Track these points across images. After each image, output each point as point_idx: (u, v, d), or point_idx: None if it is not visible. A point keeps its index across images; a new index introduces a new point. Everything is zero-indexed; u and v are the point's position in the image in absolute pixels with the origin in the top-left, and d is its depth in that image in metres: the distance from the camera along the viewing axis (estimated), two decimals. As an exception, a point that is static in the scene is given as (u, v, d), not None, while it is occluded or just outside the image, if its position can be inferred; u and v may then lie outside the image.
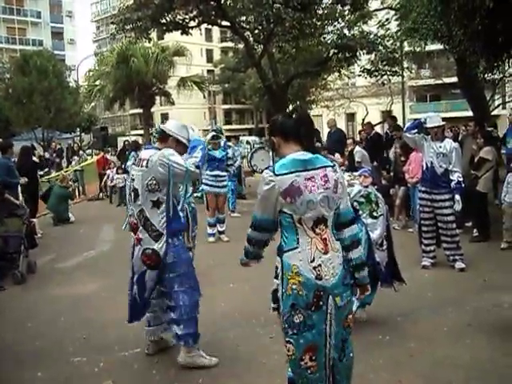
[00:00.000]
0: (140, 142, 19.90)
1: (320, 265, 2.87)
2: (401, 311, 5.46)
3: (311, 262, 2.88)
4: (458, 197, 6.85)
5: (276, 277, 3.03)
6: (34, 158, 13.34)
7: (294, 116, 3.12)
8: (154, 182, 4.18)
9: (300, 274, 2.86)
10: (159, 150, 4.31)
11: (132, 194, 4.38)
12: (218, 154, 9.59)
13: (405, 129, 7.34)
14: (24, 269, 7.60)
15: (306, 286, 2.86)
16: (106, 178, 17.07)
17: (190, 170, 4.19)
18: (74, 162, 19.48)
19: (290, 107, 33.58)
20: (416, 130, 7.03)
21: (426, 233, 7.26)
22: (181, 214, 4.53)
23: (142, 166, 4.26)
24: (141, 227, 4.30)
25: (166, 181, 4.19)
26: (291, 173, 2.89)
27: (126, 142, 20.54)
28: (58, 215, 12.56)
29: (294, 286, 2.87)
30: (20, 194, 9.59)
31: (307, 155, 2.96)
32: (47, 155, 23.07)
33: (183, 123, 4.72)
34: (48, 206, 12.73)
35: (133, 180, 4.36)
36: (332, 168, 2.99)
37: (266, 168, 3.06)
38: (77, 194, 17.89)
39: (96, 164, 18.52)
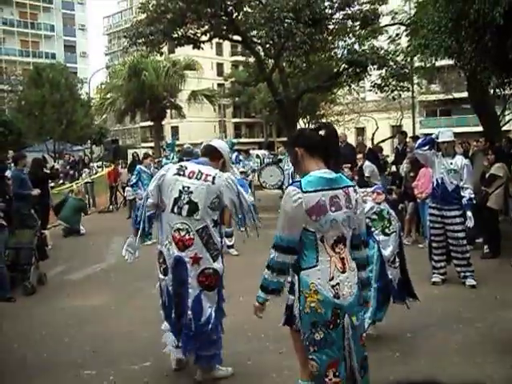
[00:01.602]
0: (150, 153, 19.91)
1: (338, 283, 2.88)
2: (411, 328, 5.43)
3: (330, 280, 2.88)
4: (469, 213, 6.83)
5: (290, 292, 3.03)
6: (46, 170, 13.45)
7: (321, 131, 3.06)
8: (218, 200, 4.13)
9: (318, 292, 2.87)
10: (213, 167, 4.26)
11: (185, 207, 4.12)
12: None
13: (416, 145, 7.31)
14: (34, 280, 7.64)
15: (324, 304, 2.87)
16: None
17: (251, 207, 4.26)
18: (84, 175, 19.58)
19: (301, 121, 33.83)
20: (428, 147, 7.02)
21: (437, 249, 7.23)
22: None
23: (205, 181, 4.12)
24: (200, 245, 4.12)
25: (223, 204, 4.18)
26: (318, 191, 2.88)
27: (135, 154, 20.61)
28: (71, 226, 12.60)
29: (312, 304, 2.87)
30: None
31: (332, 174, 2.94)
32: (57, 166, 23.19)
33: (227, 145, 4.76)
34: (61, 216, 12.76)
35: (189, 192, 4.12)
36: (353, 188, 3.01)
37: (291, 185, 3.00)
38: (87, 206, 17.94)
39: (107, 176, 18.59)
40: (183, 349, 4.33)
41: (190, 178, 4.16)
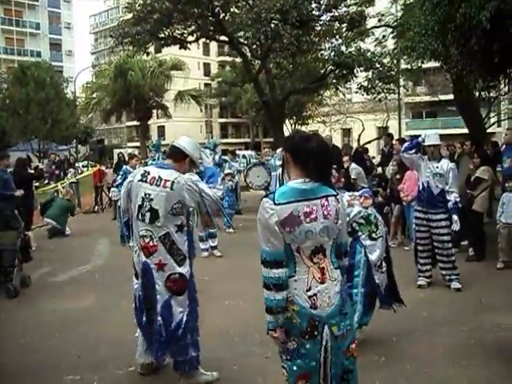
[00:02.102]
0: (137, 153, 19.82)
1: (316, 294, 2.83)
2: (396, 331, 5.44)
3: (307, 290, 2.83)
4: (455, 217, 6.86)
5: None
6: (30, 170, 13.32)
7: (311, 140, 2.94)
8: (180, 205, 4.11)
9: (294, 302, 2.83)
10: (175, 169, 4.21)
11: (147, 214, 4.15)
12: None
13: (402, 149, 7.33)
14: (18, 283, 7.53)
15: (299, 315, 2.82)
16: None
17: (218, 202, 4.20)
18: (69, 174, 19.41)
19: (287, 122, 33.86)
20: (414, 151, 7.04)
21: (422, 252, 7.26)
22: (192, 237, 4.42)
23: (164, 187, 4.09)
24: (164, 251, 4.13)
25: (189, 206, 4.15)
26: (290, 202, 2.82)
27: (120, 155, 20.49)
28: (58, 225, 12.45)
29: (288, 315, 2.83)
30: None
31: (308, 184, 2.87)
32: (41, 166, 22.98)
33: (195, 142, 4.61)
34: (48, 215, 12.59)
35: (150, 200, 4.13)
36: (334, 197, 2.93)
37: (266, 196, 2.93)
38: (72, 206, 17.79)
39: (92, 176, 18.45)
40: (155, 354, 4.33)
41: (151, 184, 4.15)
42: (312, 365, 2.86)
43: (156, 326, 4.21)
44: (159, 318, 4.19)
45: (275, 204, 2.82)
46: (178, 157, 4.31)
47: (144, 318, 4.35)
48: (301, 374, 2.87)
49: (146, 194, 4.15)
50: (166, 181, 4.10)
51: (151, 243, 4.14)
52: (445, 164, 7.06)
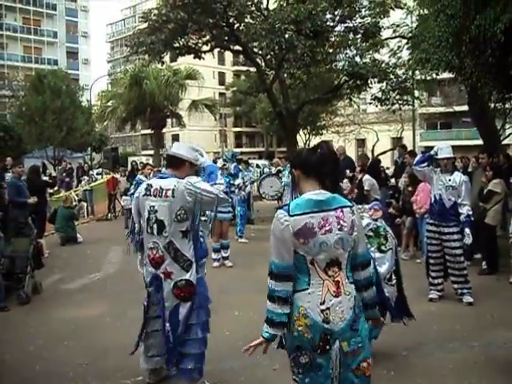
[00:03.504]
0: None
1: (329, 308, 2.80)
2: (406, 345, 5.39)
3: (321, 304, 2.80)
4: (468, 230, 6.79)
5: None
6: (45, 177, 13.43)
7: (317, 151, 2.97)
8: (183, 211, 4.13)
9: (307, 316, 2.79)
10: (177, 177, 4.23)
11: (154, 226, 4.21)
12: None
13: (415, 162, 7.27)
14: (29, 289, 7.59)
15: (312, 329, 2.79)
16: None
17: (220, 196, 4.19)
18: (83, 182, 19.56)
19: (301, 132, 33.86)
20: (426, 164, 7.00)
21: (434, 265, 7.19)
22: (202, 240, 4.46)
23: (166, 197, 4.14)
24: (169, 260, 4.17)
25: (193, 210, 4.16)
26: (305, 213, 2.81)
27: (134, 163, 20.61)
28: (66, 236, 12.59)
29: (299, 328, 2.80)
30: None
31: (324, 195, 2.86)
32: (54, 173, 23.15)
33: (189, 143, 4.67)
34: (57, 228, 12.77)
35: (155, 212, 4.19)
36: (350, 209, 2.90)
37: (280, 208, 2.93)
38: (85, 213, 17.92)
39: (106, 184, 18.57)
40: (167, 362, 4.37)
41: (154, 196, 4.22)
42: (324, 379, 2.83)
43: (165, 334, 4.24)
44: (167, 325, 4.23)
45: (290, 215, 2.81)
46: (177, 164, 4.33)
47: (150, 328, 4.40)
48: None
49: (151, 207, 4.22)
50: (166, 190, 4.15)
51: (157, 254, 4.20)
52: (457, 177, 7.00)
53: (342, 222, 2.85)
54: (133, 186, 11.77)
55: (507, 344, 5.42)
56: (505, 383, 4.53)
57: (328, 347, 2.80)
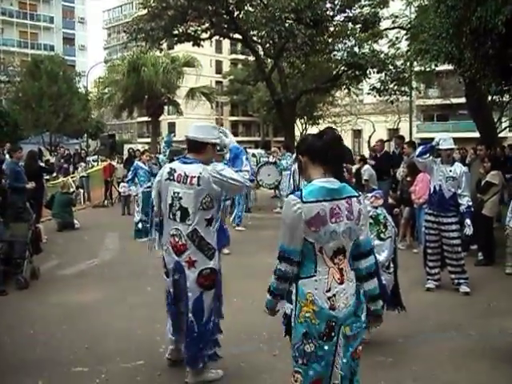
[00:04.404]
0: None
1: (334, 295, 2.85)
2: (404, 333, 5.44)
3: (327, 291, 2.84)
4: (468, 221, 6.84)
5: (288, 300, 3.01)
6: (41, 163, 13.40)
7: (323, 137, 2.99)
8: (209, 199, 4.07)
9: (314, 302, 2.84)
10: (202, 162, 4.12)
11: (178, 213, 4.12)
12: None
13: (417, 153, 7.24)
14: (28, 274, 7.59)
15: (319, 315, 2.83)
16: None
17: (247, 184, 4.18)
18: (80, 169, 19.53)
19: (298, 122, 33.85)
20: (428, 155, 7.02)
21: (431, 255, 7.24)
22: (225, 226, 4.40)
23: (191, 184, 4.05)
24: (193, 248, 4.11)
25: (219, 197, 4.13)
26: (318, 201, 2.83)
27: (131, 150, 20.55)
28: (64, 221, 12.60)
29: (307, 315, 2.84)
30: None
31: (335, 184, 2.89)
32: (52, 160, 23.09)
33: (207, 125, 4.54)
34: (54, 214, 12.77)
35: (179, 198, 4.10)
36: (357, 198, 2.94)
37: (292, 193, 2.96)
38: (82, 200, 17.90)
39: (102, 171, 18.55)
40: (186, 351, 4.30)
41: (178, 182, 4.13)
42: (327, 370, 2.88)
43: (188, 324, 4.21)
44: (190, 315, 4.18)
45: (303, 202, 2.83)
46: (199, 148, 4.21)
47: (175, 310, 4.38)
48: (316, 378, 2.88)
49: (174, 193, 4.13)
50: (192, 177, 4.06)
51: (180, 242, 4.13)
52: (458, 168, 7.03)
53: (350, 211, 2.89)
54: (130, 173, 11.77)
55: (503, 333, 5.48)
56: (501, 371, 4.58)
57: (333, 334, 2.85)
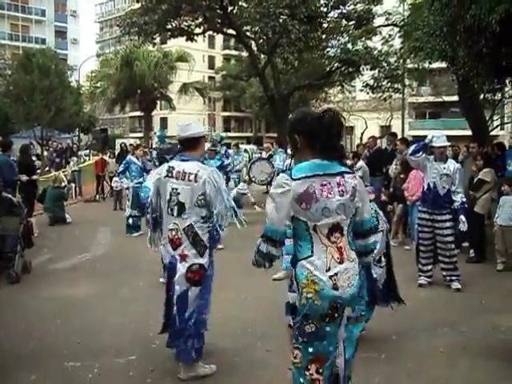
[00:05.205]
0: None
1: (336, 274, 2.77)
2: (397, 330, 5.45)
3: (327, 271, 2.77)
4: (463, 217, 6.88)
5: (290, 290, 2.97)
6: (33, 157, 13.35)
7: (323, 119, 2.87)
8: (203, 197, 4.21)
9: (315, 282, 2.76)
10: (198, 160, 4.37)
11: (175, 208, 4.27)
12: (213, 163, 9.70)
13: (410, 152, 7.23)
14: (19, 269, 7.57)
15: (321, 296, 2.75)
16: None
17: (230, 207, 4.31)
18: (72, 163, 19.44)
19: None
20: (421, 153, 7.03)
21: (424, 252, 7.25)
22: (217, 228, 4.43)
23: (189, 181, 4.22)
24: (187, 243, 4.24)
25: (212, 199, 4.23)
26: (308, 177, 2.77)
27: (123, 145, 20.48)
28: (55, 216, 12.55)
29: (309, 295, 2.76)
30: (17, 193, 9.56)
31: (325, 161, 2.83)
32: (45, 153, 22.97)
33: (190, 121, 4.73)
34: (45, 208, 12.72)
35: (177, 194, 4.25)
36: (351, 175, 2.89)
37: (283, 171, 2.92)
38: (73, 194, 17.84)
39: (94, 165, 18.49)
40: (169, 343, 4.40)
41: (177, 179, 4.28)
42: (329, 349, 2.83)
43: (172, 316, 4.32)
44: (175, 308, 4.28)
45: (292, 179, 2.77)
46: (195, 144, 4.40)
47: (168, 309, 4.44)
48: (316, 357, 2.82)
49: (173, 189, 4.27)
50: (189, 174, 4.22)
51: (176, 236, 4.25)
52: (452, 164, 7.05)
53: (342, 187, 2.83)
54: (122, 167, 11.69)
55: (495, 329, 5.51)
56: (494, 367, 4.61)
57: (336, 315, 2.80)
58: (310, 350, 2.82)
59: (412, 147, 7.32)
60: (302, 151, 2.91)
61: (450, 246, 7.03)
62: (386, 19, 20.12)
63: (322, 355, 2.83)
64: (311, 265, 2.78)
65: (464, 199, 6.98)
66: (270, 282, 6.42)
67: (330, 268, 2.78)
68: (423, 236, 7.23)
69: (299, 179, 2.76)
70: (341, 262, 2.80)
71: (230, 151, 14.86)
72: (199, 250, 4.25)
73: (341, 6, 17.90)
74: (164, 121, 52.31)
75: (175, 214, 4.26)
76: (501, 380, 4.38)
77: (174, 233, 4.27)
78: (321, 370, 2.83)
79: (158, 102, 35.25)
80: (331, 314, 2.78)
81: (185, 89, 32.70)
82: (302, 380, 2.87)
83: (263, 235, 2.89)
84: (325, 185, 2.79)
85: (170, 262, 4.31)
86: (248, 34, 17.93)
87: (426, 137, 7.21)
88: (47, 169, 19.28)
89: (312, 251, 2.80)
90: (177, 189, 4.24)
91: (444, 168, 6.98)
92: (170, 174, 4.31)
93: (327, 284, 2.76)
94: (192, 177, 4.21)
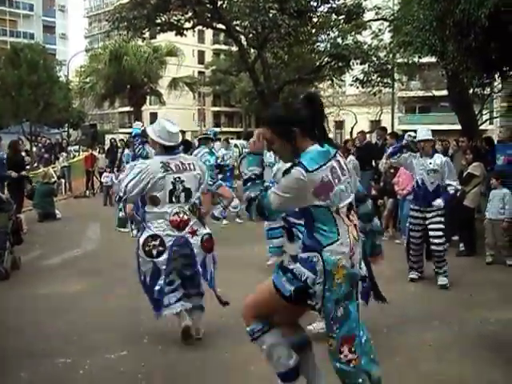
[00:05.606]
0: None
1: (354, 253, 2.85)
2: (387, 323, 5.47)
3: (350, 251, 2.83)
4: (440, 200, 6.86)
5: (308, 268, 2.87)
6: (22, 153, 13.25)
7: (313, 105, 2.89)
8: (201, 180, 4.98)
9: (345, 266, 2.80)
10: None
11: (182, 195, 4.78)
12: (209, 158, 9.92)
13: (388, 155, 7.25)
14: (8, 265, 7.53)
15: (348, 277, 2.81)
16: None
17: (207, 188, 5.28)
18: (61, 159, 19.35)
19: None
20: (398, 155, 6.99)
21: (415, 251, 7.17)
22: None
23: (190, 169, 4.85)
24: (195, 219, 4.85)
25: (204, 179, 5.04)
26: (320, 167, 2.76)
27: (112, 140, 20.39)
28: (45, 212, 12.48)
29: (338, 281, 2.79)
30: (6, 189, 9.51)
31: (325, 146, 2.86)
32: (34, 149, 22.83)
33: (159, 125, 4.99)
34: (34, 204, 12.65)
35: (181, 182, 4.76)
36: (338, 153, 2.94)
37: (294, 166, 2.79)
38: (63, 190, 17.76)
39: (84, 161, 18.41)
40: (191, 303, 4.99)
41: (177, 170, 4.80)
42: (353, 326, 2.87)
43: (196, 282, 4.99)
44: (200, 276, 4.95)
45: (308, 172, 2.74)
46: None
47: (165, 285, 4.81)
48: (345, 336, 2.85)
49: (175, 179, 4.76)
50: (188, 164, 4.89)
51: (185, 217, 4.79)
52: (438, 159, 6.98)
53: (341, 167, 2.89)
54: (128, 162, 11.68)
55: (484, 322, 5.55)
56: (483, 360, 4.63)
57: (354, 292, 2.89)
58: (339, 331, 2.85)
59: (389, 150, 7.31)
60: (300, 143, 2.89)
61: (438, 240, 6.96)
62: (376, 13, 20.13)
63: (351, 333, 2.87)
64: (339, 249, 2.81)
65: (459, 187, 7.00)
66: (266, 277, 6.41)
67: (352, 248, 2.85)
68: (414, 235, 7.11)
69: (313, 171, 2.75)
70: (357, 240, 2.91)
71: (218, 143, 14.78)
72: (203, 223, 4.97)
73: (330, 1, 17.89)
74: (154, 116, 51.99)
75: (182, 200, 4.78)
76: (490, 372, 4.40)
77: (181, 215, 4.77)
78: (353, 349, 2.86)
79: (148, 97, 35.11)
80: (351, 291, 2.86)
81: (174, 84, 32.60)
82: (338, 365, 2.89)
83: (259, 209, 2.89)
84: (332, 169, 2.82)
85: (177, 242, 4.75)
86: (238, 28, 17.88)
87: (415, 131, 7.21)
88: (36, 164, 19.14)
89: (338, 234, 2.82)
90: (180, 177, 4.76)
91: (430, 163, 6.91)
92: (168, 169, 4.75)
93: (349, 264, 2.83)
94: (191, 166, 4.88)
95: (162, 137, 4.80)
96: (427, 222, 6.98)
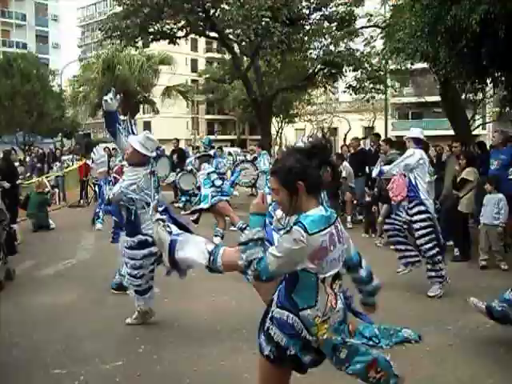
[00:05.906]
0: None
1: (329, 318, 2.76)
2: (383, 329, 5.46)
3: (324, 316, 2.75)
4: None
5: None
6: (15, 163, 13.22)
7: (317, 155, 2.79)
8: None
9: (325, 322, 2.75)
10: None
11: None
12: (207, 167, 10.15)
13: (377, 174, 7.85)
14: (2, 276, 7.47)
15: (333, 330, 2.77)
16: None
17: None
18: (55, 168, 19.29)
19: (274, 120, 33.95)
20: (383, 173, 7.57)
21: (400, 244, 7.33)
22: None
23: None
24: None
25: None
26: (320, 231, 2.67)
27: (107, 149, 20.34)
28: (38, 222, 12.43)
29: (325, 336, 2.75)
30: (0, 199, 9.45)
31: (327, 210, 2.77)
32: (28, 159, 22.79)
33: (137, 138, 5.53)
34: (28, 213, 12.59)
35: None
36: (337, 219, 2.83)
37: (295, 224, 2.68)
38: (57, 200, 17.70)
39: (78, 170, 18.36)
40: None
41: None
42: (366, 351, 2.80)
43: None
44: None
45: (309, 234, 2.64)
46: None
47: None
48: (367, 364, 2.77)
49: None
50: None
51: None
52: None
53: (339, 234, 2.80)
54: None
55: (480, 327, 5.54)
56: (479, 365, 4.64)
57: (342, 326, 2.85)
58: (358, 366, 2.77)
59: (376, 171, 7.78)
60: (304, 200, 2.76)
61: (422, 240, 6.95)
62: (368, 20, 20.23)
63: (369, 360, 2.79)
64: (314, 312, 2.74)
65: (385, 168, 7.50)
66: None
67: (326, 313, 2.75)
68: (395, 227, 7.31)
69: (313, 234, 2.65)
70: (334, 308, 2.79)
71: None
72: None
73: (323, 8, 18.00)
74: (147, 125, 52.08)
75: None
76: (488, 377, 4.40)
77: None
78: (379, 369, 2.80)
79: (142, 105, 35.10)
80: (348, 333, 2.82)
81: (168, 92, 32.59)
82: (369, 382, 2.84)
83: (260, 276, 2.74)
84: (331, 235, 2.73)
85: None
86: (230, 36, 17.95)
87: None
88: (28, 174, 19.08)
89: (316, 301, 2.74)
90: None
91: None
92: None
93: (327, 324, 2.76)
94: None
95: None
96: (412, 219, 7.04)
